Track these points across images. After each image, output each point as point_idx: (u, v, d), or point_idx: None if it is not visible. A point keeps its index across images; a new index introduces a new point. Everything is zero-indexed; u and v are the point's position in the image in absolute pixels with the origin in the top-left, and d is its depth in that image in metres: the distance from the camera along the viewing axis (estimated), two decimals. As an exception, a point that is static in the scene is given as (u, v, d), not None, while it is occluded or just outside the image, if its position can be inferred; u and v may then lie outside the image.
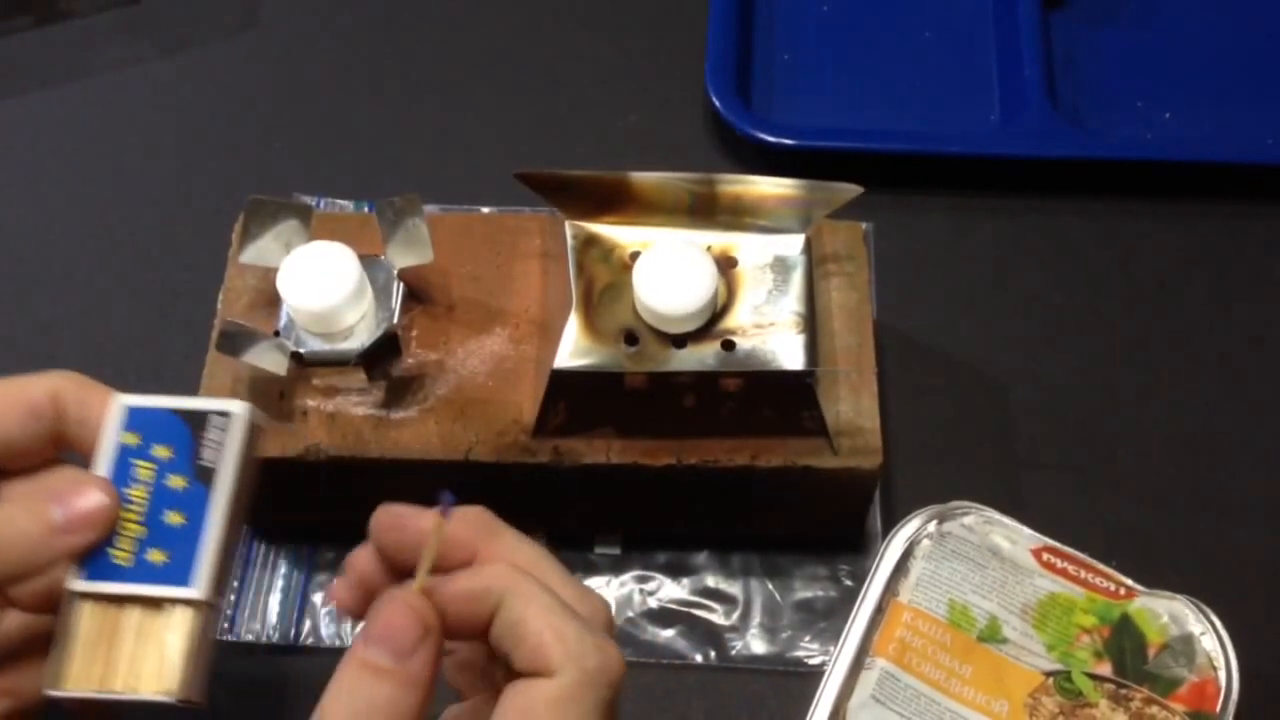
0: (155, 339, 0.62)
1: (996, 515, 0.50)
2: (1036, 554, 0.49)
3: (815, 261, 0.51)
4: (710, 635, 0.54)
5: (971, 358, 0.61)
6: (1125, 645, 0.47)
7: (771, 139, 0.64)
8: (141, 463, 0.40)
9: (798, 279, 0.50)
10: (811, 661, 0.53)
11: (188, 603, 0.39)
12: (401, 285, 0.51)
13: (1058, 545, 0.49)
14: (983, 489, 0.52)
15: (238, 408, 0.41)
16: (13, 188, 0.67)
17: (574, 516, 0.55)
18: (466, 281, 0.54)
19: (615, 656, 0.34)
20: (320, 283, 0.48)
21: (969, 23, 0.71)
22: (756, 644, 0.54)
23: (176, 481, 0.40)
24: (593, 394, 0.50)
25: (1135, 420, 0.59)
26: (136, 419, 0.41)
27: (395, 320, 0.50)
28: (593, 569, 0.56)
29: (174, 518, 0.39)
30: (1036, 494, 0.57)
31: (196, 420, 0.40)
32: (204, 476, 0.40)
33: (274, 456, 0.50)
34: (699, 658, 0.54)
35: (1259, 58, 0.70)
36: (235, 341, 0.48)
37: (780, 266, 0.50)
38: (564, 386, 0.49)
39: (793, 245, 0.50)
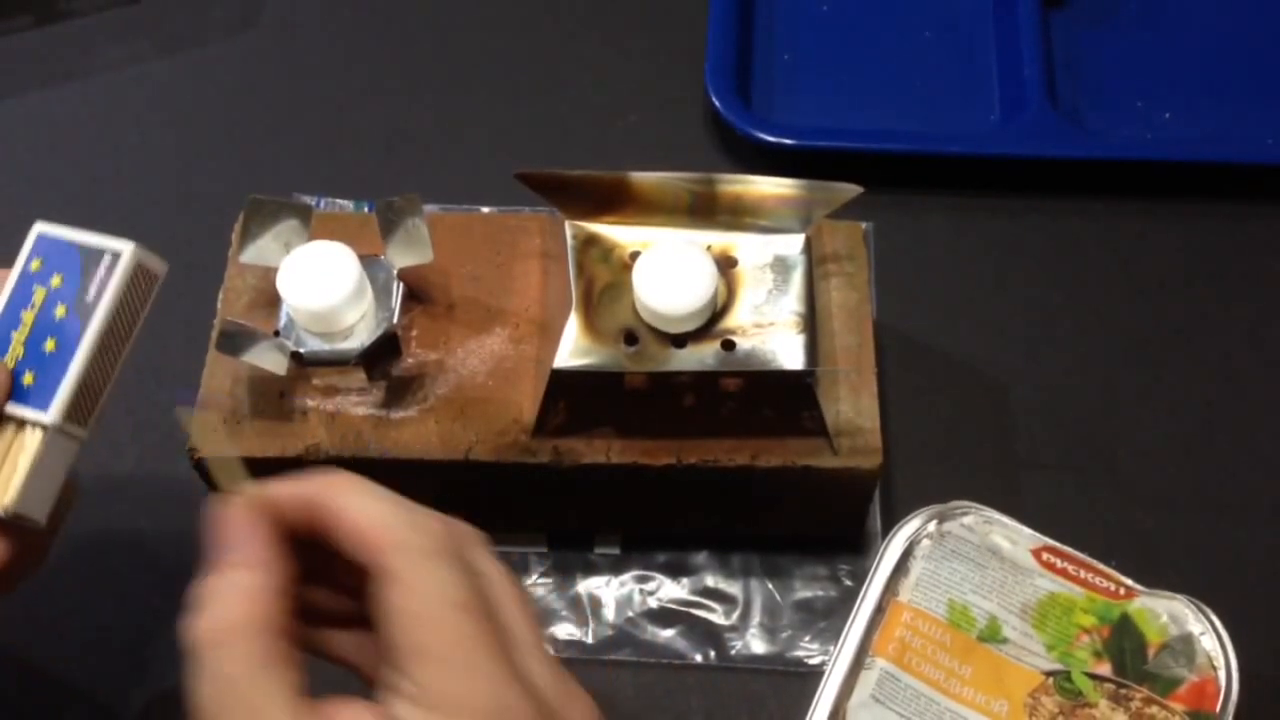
0: (155, 339, 0.62)
1: (996, 515, 0.50)
2: (1036, 554, 0.49)
3: (815, 261, 0.51)
4: (710, 635, 0.54)
5: (971, 358, 0.61)
6: (1125, 645, 0.47)
7: (771, 139, 0.64)
8: (39, 288, 0.41)
9: (798, 279, 0.50)
10: (811, 661, 0.53)
11: (43, 426, 0.41)
12: (401, 285, 0.51)
13: (1058, 545, 0.49)
14: (983, 489, 0.52)
15: (127, 249, 0.42)
16: (13, 188, 0.67)
17: (574, 516, 0.55)
18: (466, 281, 0.54)
19: (436, 528, 0.36)
20: (320, 283, 0.48)
21: (969, 23, 0.71)
22: (756, 644, 0.54)
23: (60, 310, 0.41)
24: (593, 394, 0.50)
25: (1135, 420, 0.59)
26: (43, 246, 0.42)
27: (395, 320, 0.50)
28: (593, 569, 0.56)
29: (50, 344, 0.41)
30: (1036, 494, 0.57)
31: (91, 256, 0.42)
32: (83, 310, 0.41)
33: (274, 456, 0.50)
34: (699, 657, 0.54)
35: (1259, 58, 0.70)
36: (235, 341, 0.48)
37: (780, 266, 0.50)
38: (564, 386, 0.49)
39: (793, 245, 0.50)
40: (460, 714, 0.33)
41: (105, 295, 0.41)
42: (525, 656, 0.35)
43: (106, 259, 0.42)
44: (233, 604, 0.34)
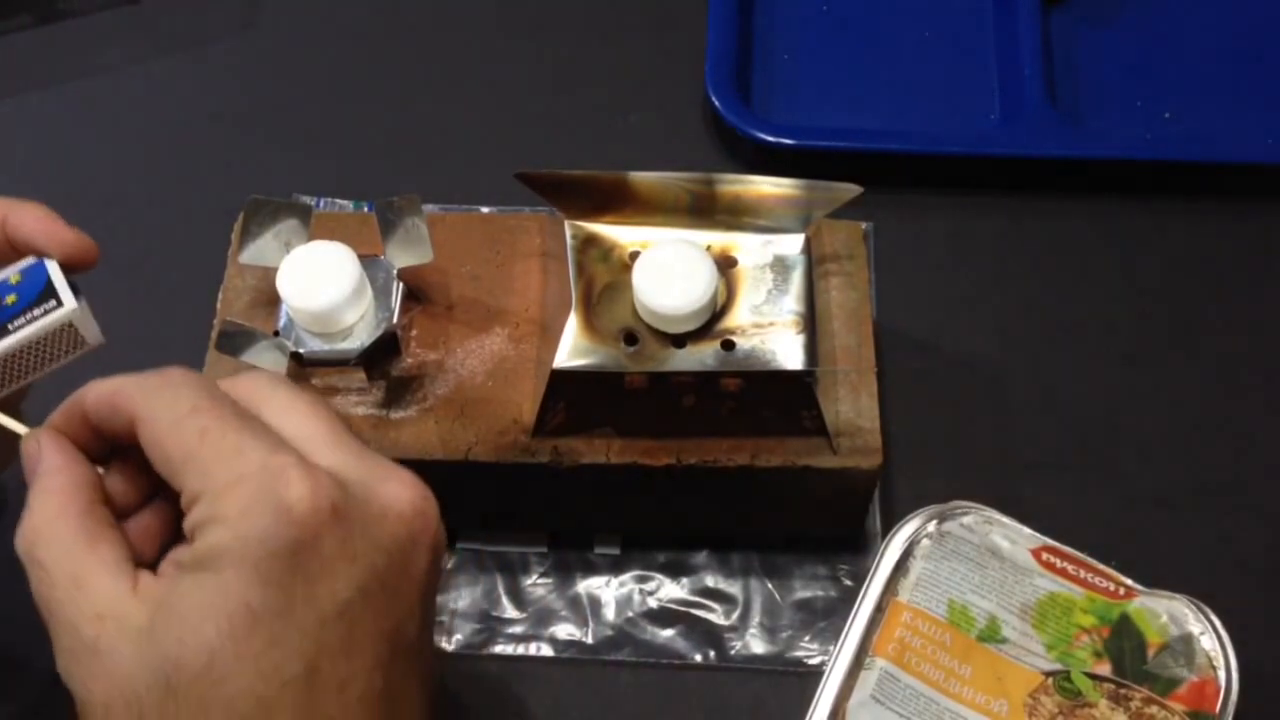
0: (155, 339, 0.62)
1: (996, 515, 0.50)
2: (1036, 554, 0.49)
3: (815, 261, 0.51)
4: (710, 635, 0.54)
5: (971, 358, 0.61)
6: (1125, 645, 0.47)
7: (771, 139, 0.64)
8: None
9: (797, 279, 0.50)
10: (811, 661, 0.53)
11: None
12: (401, 285, 0.51)
13: (1057, 545, 0.49)
14: (983, 489, 0.52)
15: (70, 304, 0.42)
16: (13, 188, 0.67)
17: (574, 516, 0.55)
18: (466, 281, 0.54)
19: (171, 371, 0.39)
20: (320, 283, 0.48)
21: (969, 23, 0.71)
22: (756, 644, 0.54)
23: None
24: (592, 394, 0.50)
25: (1135, 420, 0.59)
26: (33, 270, 0.43)
27: (395, 320, 0.50)
28: (593, 569, 0.56)
29: None
30: (1036, 494, 0.57)
31: (47, 295, 0.42)
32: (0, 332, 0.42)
33: (274, 456, 0.50)
34: (699, 658, 0.54)
35: (1259, 58, 0.70)
36: (235, 341, 0.48)
37: (780, 266, 0.50)
38: (564, 386, 0.49)
39: (792, 245, 0.50)
40: (230, 493, 0.35)
41: (22, 332, 0.42)
42: (307, 447, 0.37)
43: (51, 303, 0.42)
44: (37, 507, 0.37)
